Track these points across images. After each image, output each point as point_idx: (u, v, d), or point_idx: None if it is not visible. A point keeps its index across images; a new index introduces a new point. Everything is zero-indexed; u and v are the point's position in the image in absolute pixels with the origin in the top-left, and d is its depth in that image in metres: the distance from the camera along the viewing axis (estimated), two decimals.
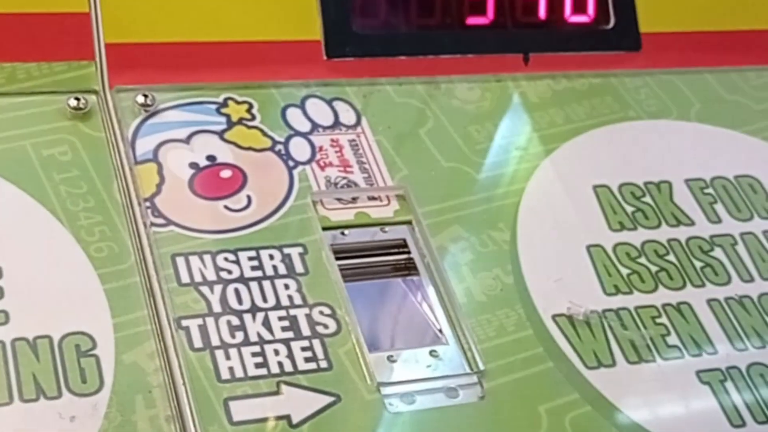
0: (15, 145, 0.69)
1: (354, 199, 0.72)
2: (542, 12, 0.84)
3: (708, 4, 0.88)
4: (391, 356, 0.64)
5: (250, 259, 0.67)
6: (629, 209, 0.76)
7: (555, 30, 0.84)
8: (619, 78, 0.84)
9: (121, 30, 0.75)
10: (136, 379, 0.60)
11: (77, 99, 0.71)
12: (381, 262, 0.70)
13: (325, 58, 0.78)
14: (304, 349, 0.63)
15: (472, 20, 0.82)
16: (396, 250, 0.71)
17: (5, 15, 0.72)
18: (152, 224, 0.67)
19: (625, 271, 0.73)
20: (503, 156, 0.77)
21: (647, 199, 0.77)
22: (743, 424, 0.66)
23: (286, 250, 0.68)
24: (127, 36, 0.75)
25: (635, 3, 0.85)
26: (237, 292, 0.65)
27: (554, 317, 0.68)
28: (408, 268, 0.70)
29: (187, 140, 0.72)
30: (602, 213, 0.75)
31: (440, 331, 0.67)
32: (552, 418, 0.64)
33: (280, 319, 0.65)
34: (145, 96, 0.73)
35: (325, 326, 0.65)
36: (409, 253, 0.70)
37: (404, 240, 0.71)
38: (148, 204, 0.68)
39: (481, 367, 0.64)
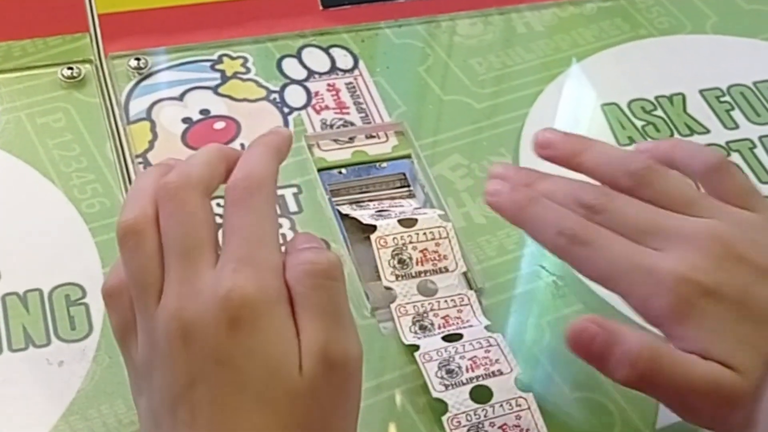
0: (10, 117, 0.70)
1: (351, 139, 0.71)
2: None
3: None
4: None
5: None
6: (639, 124, 0.74)
7: None
8: None
9: (113, 0, 0.76)
10: None
11: (70, 68, 0.72)
12: (380, 196, 0.69)
13: (320, 8, 0.78)
14: None
15: None
16: (396, 184, 0.69)
17: None
18: None
19: None
20: (505, 84, 0.75)
21: (658, 112, 0.74)
22: None
23: (279, 192, 0.67)
24: (120, 5, 0.76)
25: None
26: None
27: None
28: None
29: (181, 97, 0.72)
30: (610, 129, 0.73)
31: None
32: (554, 329, 0.62)
33: None
34: (138, 59, 0.73)
35: None
36: (408, 186, 0.69)
37: (404, 174, 0.70)
38: (140, 160, 0.68)
39: (480, 285, 0.63)
